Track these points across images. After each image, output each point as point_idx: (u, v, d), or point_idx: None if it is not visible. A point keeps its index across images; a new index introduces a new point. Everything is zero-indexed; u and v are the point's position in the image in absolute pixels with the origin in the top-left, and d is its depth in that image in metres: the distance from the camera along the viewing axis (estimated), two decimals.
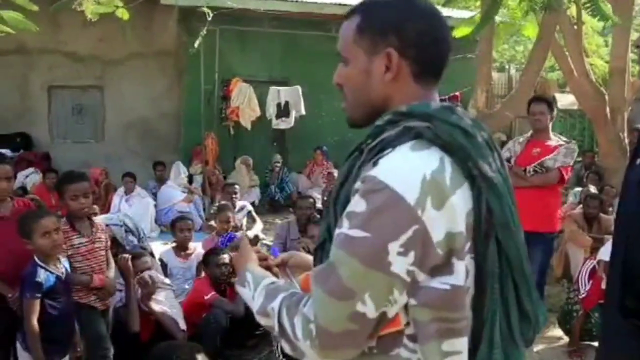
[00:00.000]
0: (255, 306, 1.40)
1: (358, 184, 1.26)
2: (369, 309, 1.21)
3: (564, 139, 5.37)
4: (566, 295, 5.36)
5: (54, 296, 3.48)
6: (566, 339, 5.13)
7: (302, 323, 1.26)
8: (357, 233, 1.21)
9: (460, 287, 1.23)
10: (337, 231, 1.26)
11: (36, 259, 3.49)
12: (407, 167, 1.22)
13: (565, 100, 14.29)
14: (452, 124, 1.26)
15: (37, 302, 3.41)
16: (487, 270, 1.26)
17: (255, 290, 1.43)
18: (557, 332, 5.26)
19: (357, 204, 1.23)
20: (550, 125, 5.24)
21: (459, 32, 7.52)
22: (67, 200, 3.88)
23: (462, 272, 1.24)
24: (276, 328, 1.31)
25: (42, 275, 3.43)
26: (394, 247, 1.19)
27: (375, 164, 1.26)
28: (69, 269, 3.70)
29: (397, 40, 1.34)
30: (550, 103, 5.29)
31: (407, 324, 1.26)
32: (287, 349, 1.30)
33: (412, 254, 1.20)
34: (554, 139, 5.22)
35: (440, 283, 1.23)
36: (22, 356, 3.52)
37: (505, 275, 1.28)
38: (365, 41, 1.37)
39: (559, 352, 5.03)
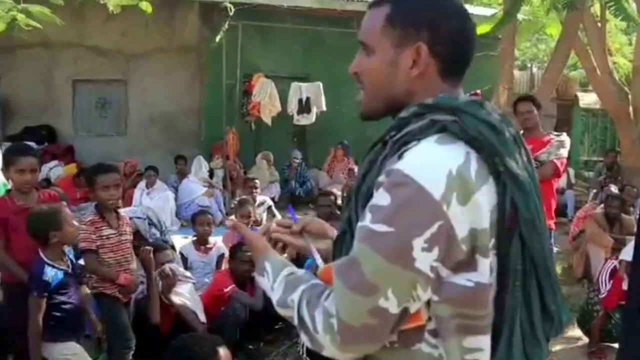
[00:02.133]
0: (274, 297, 1.39)
1: (382, 177, 1.24)
2: (392, 305, 1.20)
3: (555, 133, 5.37)
4: (586, 296, 5.33)
5: (62, 291, 3.53)
6: (585, 339, 5.09)
7: (323, 317, 1.24)
8: (380, 227, 1.20)
9: (483, 284, 1.22)
10: (359, 224, 1.25)
11: (43, 256, 3.51)
12: (433, 162, 1.20)
13: (588, 99, 14.15)
14: (480, 119, 1.25)
15: (44, 301, 3.45)
16: (509, 268, 1.24)
17: (275, 280, 1.41)
18: (577, 332, 5.23)
19: (381, 198, 1.22)
20: (539, 122, 5.27)
21: (480, 30, 7.48)
22: (97, 191, 3.94)
23: (486, 269, 1.22)
24: (296, 320, 1.30)
25: (49, 274, 3.47)
26: (418, 242, 1.17)
27: (400, 157, 1.24)
28: (74, 260, 3.76)
29: (430, 36, 1.32)
30: (535, 100, 5.34)
31: (429, 319, 1.25)
32: (306, 342, 1.30)
33: (436, 250, 1.18)
34: (545, 135, 5.23)
35: (464, 279, 1.21)
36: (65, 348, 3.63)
37: (529, 273, 1.26)
38: (394, 32, 1.34)
39: (578, 353, 5.00)
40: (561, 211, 8.95)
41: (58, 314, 3.54)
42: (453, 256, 1.20)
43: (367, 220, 1.22)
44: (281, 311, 1.37)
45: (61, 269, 3.54)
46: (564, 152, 5.10)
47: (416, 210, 1.18)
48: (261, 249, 1.52)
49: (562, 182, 8.95)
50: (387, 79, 1.37)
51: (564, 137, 5.21)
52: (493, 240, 1.23)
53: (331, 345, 1.24)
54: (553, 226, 4.90)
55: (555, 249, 5.27)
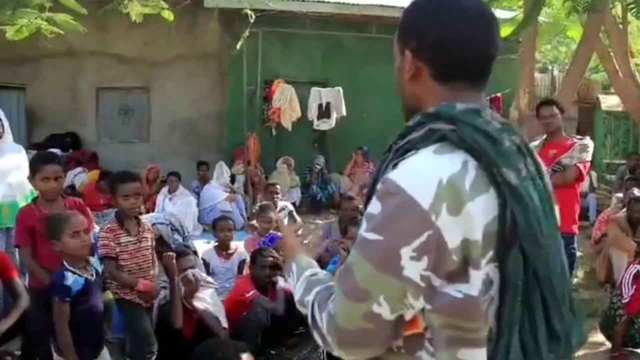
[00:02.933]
0: (296, 296, 1.45)
1: (379, 185, 1.27)
2: (384, 311, 1.22)
3: (578, 136, 5.34)
4: (609, 300, 5.28)
5: (83, 299, 3.48)
6: (608, 344, 5.02)
7: (327, 318, 1.29)
8: (371, 236, 1.22)
9: (474, 297, 1.20)
10: (358, 232, 1.28)
11: (65, 262, 3.50)
12: (423, 171, 1.21)
13: (610, 101, 14.01)
14: (476, 128, 1.24)
15: (67, 306, 3.40)
16: (508, 282, 1.21)
17: (298, 280, 1.47)
18: (599, 337, 5.17)
19: (374, 206, 1.24)
20: (562, 126, 5.25)
21: (501, 32, 7.46)
22: (118, 199, 3.99)
23: (477, 282, 1.20)
24: (310, 320, 1.34)
25: (70, 279, 3.42)
26: (406, 251, 1.18)
27: (395, 166, 1.27)
28: (99, 270, 3.70)
29: (416, 43, 1.36)
30: (558, 104, 5.31)
31: (427, 327, 1.25)
32: (319, 341, 1.33)
33: (425, 259, 1.18)
34: (569, 139, 5.20)
35: (454, 290, 1.20)
36: None
37: (532, 289, 1.23)
38: (399, 40, 1.42)
39: (601, 359, 4.93)
40: (583, 215, 8.87)
41: (76, 322, 3.48)
42: (444, 266, 1.19)
43: (362, 228, 1.26)
44: (301, 310, 1.42)
45: (82, 277, 3.49)
46: (588, 156, 5.07)
47: (405, 220, 1.19)
48: (292, 250, 1.59)
49: (584, 185, 8.87)
50: (400, 83, 1.43)
51: (587, 140, 5.19)
52: (491, 253, 1.22)
53: (335, 346, 1.29)
54: (576, 230, 4.88)
55: (578, 253, 5.22)
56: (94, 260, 3.75)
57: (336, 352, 1.30)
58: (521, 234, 1.20)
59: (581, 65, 8.46)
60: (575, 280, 6.02)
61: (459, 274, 1.20)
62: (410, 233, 1.18)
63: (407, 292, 1.21)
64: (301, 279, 1.46)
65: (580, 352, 4.89)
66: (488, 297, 1.23)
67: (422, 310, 1.24)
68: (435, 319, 1.22)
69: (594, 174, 10.62)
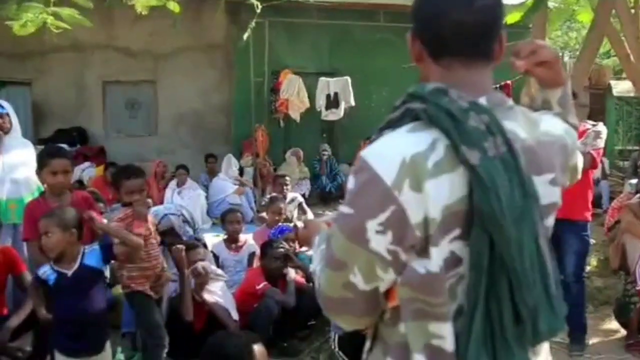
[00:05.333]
0: (312, 267, 1.53)
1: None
2: (359, 281, 1.29)
3: (591, 122, 5.25)
4: (623, 287, 5.25)
5: (59, 296, 3.47)
6: (623, 332, 5.03)
7: (317, 286, 1.40)
8: (345, 209, 1.29)
9: (434, 273, 1.24)
10: None
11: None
12: (389, 149, 1.26)
13: (622, 87, 13.93)
14: (440, 107, 1.26)
15: (39, 290, 3.50)
16: (471, 260, 1.23)
17: (315, 251, 1.53)
18: (614, 325, 5.16)
19: (349, 181, 1.31)
20: (574, 111, 5.16)
21: (510, 18, 7.38)
22: (122, 195, 3.97)
23: (437, 258, 1.24)
24: (316, 288, 1.42)
25: (41, 270, 3.48)
26: (372, 225, 1.24)
27: (370, 142, 1.32)
28: (99, 268, 3.62)
29: (415, 25, 1.40)
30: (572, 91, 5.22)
31: None
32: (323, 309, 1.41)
33: (390, 234, 1.23)
34: (581, 125, 5.11)
35: (419, 265, 1.25)
36: (59, 359, 3.56)
37: (498, 271, 1.23)
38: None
39: (615, 346, 4.92)
40: (596, 202, 8.82)
41: (57, 319, 3.50)
42: (407, 241, 1.24)
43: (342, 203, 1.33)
44: (314, 279, 1.48)
45: (56, 272, 3.46)
46: (601, 143, 5.00)
47: (370, 194, 1.24)
48: (317, 228, 1.66)
49: (596, 172, 8.81)
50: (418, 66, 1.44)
51: (601, 126, 5.11)
52: (458, 231, 1.24)
53: (325, 312, 1.40)
54: (589, 217, 4.83)
55: (591, 241, 5.18)
56: (99, 262, 3.66)
57: (330, 318, 1.42)
58: (483, 214, 1.21)
59: (592, 50, 8.35)
60: (588, 268, 5.98)
61: (424, 250, 1.24)
62: (375, 207, 1.24)
63: (375, 264, 1.27)
64: (317, 251, 1.52)
65: (595, 340, 4.89)
66: (455, 274, 1.26)
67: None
68: (403, 292, 1.28)
69: (606, 161, 10.56)
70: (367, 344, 1.47)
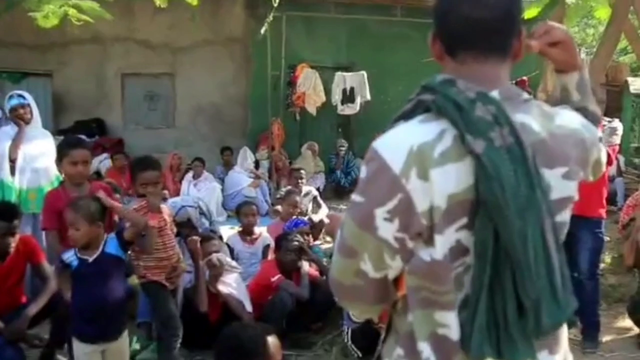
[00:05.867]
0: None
1: None
2: (369, 268, 1.32)
3: (607, 119, 5.21)
4: (637, 285, 5.23)
5: (80, 282, 3.51)
6: (636, 329, 5.01)
7: (330, 273, 1.42)
8: (356, 198, 1.33)
9: (439, 261, 1.26)
10: None
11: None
12: (398, 138, 1.30)
13: (638, 84, 13.77)
14: (447, 97, 1.28)
15: (64, 274, 3.55)
16: (476, 250, 1.25)
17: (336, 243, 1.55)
18: (627, 322, 5.14)
19: (361, 171, 1.34)
20: None
21: (528, 14, 7.36)
22: (137, 186, 4.01)
23: (442, 247, 1.26)
24: (329, 276, 1.44)
25: (66, 254, 3.51)
26: (380, 212, 1.27)
27: (384, 132, 1.35)
28: (119, 255, 3.65)
29: (434, 24, 1.41)
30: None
31: None
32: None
33: (397, 221, 1.26)
34: None
35: (425, 254, 1.28)
36: (77, 346, 3.59)
37: (502, 262, 1.23)
38: None
39: (629, 344, 4.92)
40: (611, 199, 8.75)
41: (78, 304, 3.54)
42: (414, 229, 1.26)
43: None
44: None
45: (79, 258, 3.51)
46: (616, 139, 4.99)
47: (379, 183, 1.27)
48: (340, 221, 1.67)
49: (612, 169, 8.75)
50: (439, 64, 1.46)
51: (616, 123, 5.09)
52: (465, 220, 1.25)
53: (337, 299, 1.43)
54: (604, 214, 4.81)
55: (605, 238, 5.16)
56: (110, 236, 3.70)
57: (342, 305, 1.47)
58: (487, 203, 1.22)
59: (609, 47, 8.29)
60: (602, 266, 5.95)
61: (429, 238, 1.27)
62: (383, 195, 1.26)
63: (383, 252, 1.30)
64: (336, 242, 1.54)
65: (608, 337, 4.88)
66: (461, 263, 1.27)
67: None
68: (410, 280, 1.31)
69: (621, 158, 10.46)
70: (382, 335, 1.50)
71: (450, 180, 1.23)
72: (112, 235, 3.67)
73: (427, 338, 1.30)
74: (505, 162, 1.22)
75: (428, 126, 1.28)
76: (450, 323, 1.27)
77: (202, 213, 5.90)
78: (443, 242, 1.25)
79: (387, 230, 1.27)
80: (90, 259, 3.51)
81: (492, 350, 1.24)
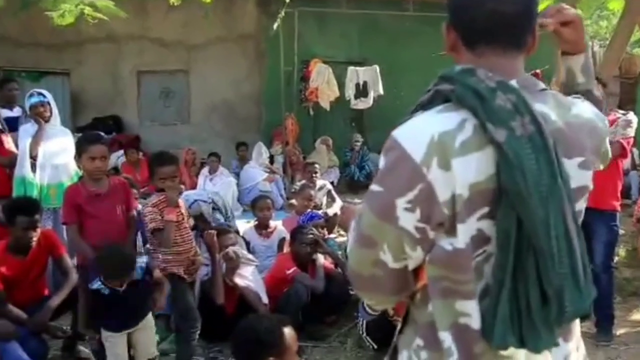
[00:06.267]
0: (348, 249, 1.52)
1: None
2: (389, 258, 1.32)
3: (621, 111, 5.20)
4: None
5: (113, 304, 3.74)
6: None
7: (348, 264, 1.41)
8: (375, 187, 1.32)
9: (461, 250, 1.26)
10: None
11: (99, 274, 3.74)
12: (419, 128, 1.29)
13: None
14: (467, 86, 1.27)
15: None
16: (498, 239, 1.24)
17: (351, 235, 1.51)
18: None
19: (380, 161, 1.34)
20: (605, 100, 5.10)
21: (540, 6, 7.32)
22: (156, 181, 4.08)
23: (464, 235, 1.25)
24: (347, 267, 1.44)
25: (95, 284, 3.71)
26: (400, 202, 1.26)
27: (400, 124, 1.34)
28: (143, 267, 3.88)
29: (450, 14, 1.41)
30: (600, 79, 5.15)
31: None
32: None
33: (418, 211, 1.25)
34: (611, 114, 5.07)
35: (446, 243, 1.27)
36: (103, 331, 3.82)
37: (526, 250, 1.23)
38: None
39: None
40: (625, 192, 8.71)
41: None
42: (435, 218, 1.25)
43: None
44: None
45: (110, 288, 3.74)
46: (631, 132, 4.96)
47: (400, 172, 1.27)
48: (352, 212, 1.68)
49: (626, 162, 8.69)
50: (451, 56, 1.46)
51: (631, 116, 5.07)
52: (486, 209, 1.25)
53: (355, 290, 1.42)
54: (618, 207, 4.81)
55: (620, 231, 5.15)
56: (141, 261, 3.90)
57: (360, 296, 1.41)
58: (509, 192, 1.22)
59: (623, 39, 8.21)
60: (616, 259, 5.94)
61: (450, 227, 1.26)
62: (404, 185, 1.26)
63: (403, 242, 1.29)
64: (352, 232, 1.52)
65: (621, 330, 4.89)
66: (482, 252, 1.27)
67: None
68: (431, 270, 1.30)
69: (636, 151, 10.39)
70: (399, 326, 1.50)
71: (471, 170, 1.23)
72: (141, 261, 3.86)
73: (449, 328, 1.29)
74: (527, 151, 1.22)
75: (448, 116, 1.27)
76: (471, 312, 1.27)
77: (216, 209, 5.93)
78: (465, 231, 1.25)
79: (408, 220, 1.26)
80: (121, 290, 3.72)
81: (515, 338, 1.24)
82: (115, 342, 3.78)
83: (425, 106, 1.34)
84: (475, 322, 1.27)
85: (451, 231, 1.26)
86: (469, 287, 1.27)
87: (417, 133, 1.27)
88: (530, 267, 1.23)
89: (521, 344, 1.25)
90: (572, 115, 1.36)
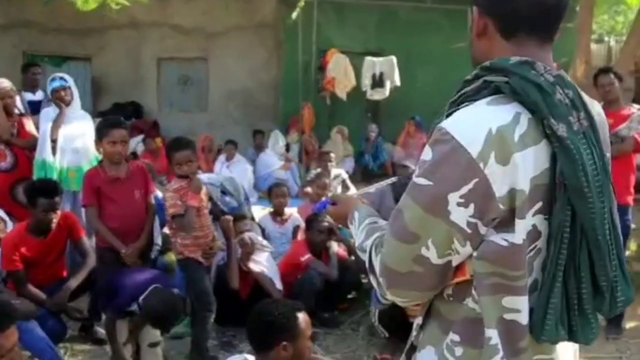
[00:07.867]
0: (357, 242, 1.49)
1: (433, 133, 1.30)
2: (432, 254, 1.27)
3: (637, 106, 5.17)
4: None
5: None
6: None
7: (380, 261, 1.34)
8: (422, 181, 1.27)
9: (517, 245, 1.23)
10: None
11: None
12: (474, 120, 1.24)
13: None
14: (528, 80, 1.24)
15: None
16: (553, 233, 1.23)
17: (358, 227, 1.51)
18: None
19: (426, 153, 1.28)
20: (621, 95, 5.09)
21: None
22: (173, 167, 4.11)
23: (522, 231, 1.23)
24: (367, 264, 1.40)
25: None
26: (453, 197, 1.22)
27: (448, 115, 1.30)
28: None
29: (486, 1, 1.37)
30: (616, 72, 5.13)
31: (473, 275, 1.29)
32: (374, 285, 1.39)
33: (472, 206, 1.22)
34: (626, 108, 5.05)
35: (500, 238, 1.24)
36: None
37: (580, 243, 1.24)
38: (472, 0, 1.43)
39: None
40: (638, 187, 8.64)
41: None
42: (490, 214, 1.23)
43: (415, 175, 1.31)
44: (360, 254, 1.47)
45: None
46: None
47: (453, 166, 1.23)
48: (352, 204, 1.64)
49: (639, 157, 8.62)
50: (471, 42, 1.44)
51: None
52: (540, 204, 1.24)
53: (385, 288, 1.35)
54: (631, 202, 4.79)
55: (632, 226, 5.14)
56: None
57: (388, 296, 1.36)
58: (569, 186, 1.21)
59: (639, 35, 8.16)
60: (628, 253, 5.92)
61: (505, 223, 1.23)
62: (458, 179, 1.22)
63: (453, 237, 1.25)
64: (362, 226, 1.50)
65: (631, 324, 4.87)
66: (534, 247, 1.26)
67: (470, 257, 1.28)
68: (480, 266, 1.26)
69: None
70: (418, 321, 1.46)
71: (530, 164, 1.22)
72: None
73: (496, 324, 1.27)
74: (584, 146, 1.23)
75: (502, 109, 1.24)
76: (521, 308, 1.26)
77: (225, 192, 5.92)
78: (523, 227, 1.23)
79: (461, 215, 1.23)
80: None
81: (565, 332, 1.25)
82: (119, 327, 3.86)
83: (471, 97, 1.29)
84: (523, 318, 1.26)
85: (507, 226, 1.24)
86: (522, 283, 1.25)
87: (472, 126, 1.23)
88: (583, 261, 1.24)
89: (571, 336, 1.27)
90: (596, 113, 1.36)
